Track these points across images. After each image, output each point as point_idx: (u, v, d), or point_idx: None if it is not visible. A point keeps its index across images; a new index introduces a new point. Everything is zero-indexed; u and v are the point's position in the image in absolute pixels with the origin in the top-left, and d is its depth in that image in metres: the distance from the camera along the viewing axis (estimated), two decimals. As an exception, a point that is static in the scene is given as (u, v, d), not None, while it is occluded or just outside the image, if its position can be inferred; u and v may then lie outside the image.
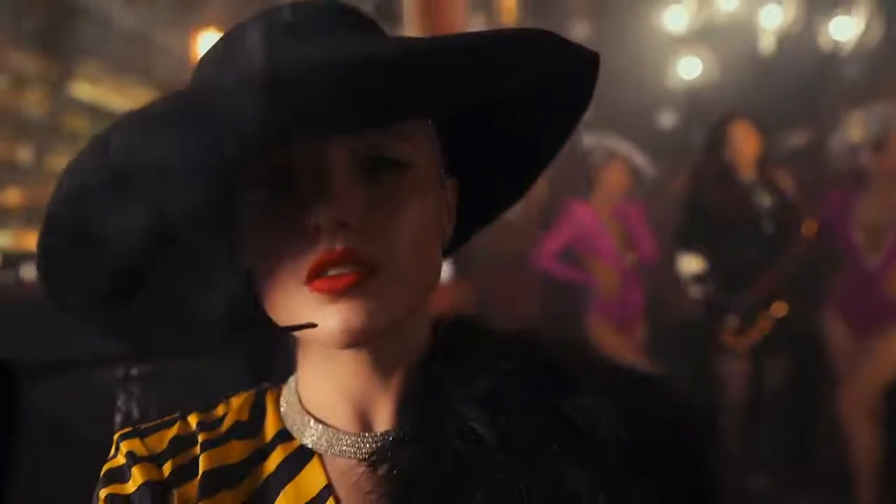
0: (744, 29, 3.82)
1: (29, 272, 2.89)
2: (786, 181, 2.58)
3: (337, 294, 0.40)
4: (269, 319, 0.45)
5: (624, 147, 2.56)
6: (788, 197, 2.49)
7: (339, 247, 0.39)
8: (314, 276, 0.40)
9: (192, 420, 0.48)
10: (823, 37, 3.58)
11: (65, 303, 0.44)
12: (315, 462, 0.46)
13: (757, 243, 2.43)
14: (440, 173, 0.47)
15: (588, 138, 2.59)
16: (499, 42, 0.41)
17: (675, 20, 3.99)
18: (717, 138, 2.50)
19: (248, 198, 0.42)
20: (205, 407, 0.50)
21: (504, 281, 2.85)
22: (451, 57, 0.39)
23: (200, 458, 0.46)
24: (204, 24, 3.94)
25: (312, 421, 0.47)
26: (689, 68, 4.21)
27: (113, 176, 0.36)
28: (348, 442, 0.46)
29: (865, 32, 3.38)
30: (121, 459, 0.46)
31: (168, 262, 0.44)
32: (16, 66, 4.05)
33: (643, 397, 0.47)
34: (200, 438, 0.47)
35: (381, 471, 0.43)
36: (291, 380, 0.50)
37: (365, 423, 0.47)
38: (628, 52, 4.21)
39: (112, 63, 4.60)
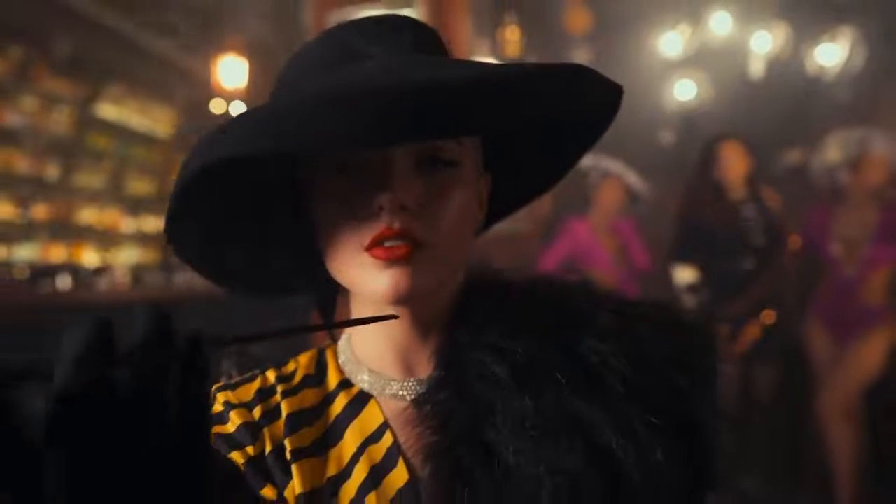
0: (735, 54, 4.01)
1: (64, 282, 3.07)
2: (773, 197, 2.73)
3: (391, 262, 0.47)
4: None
5: (617, 166, 2.71)
6: (775, 212, 2.63)
7: (396, 225, 0.47)
8: (374, 244, 0.47)
9: (270, 375, 0.57)
10: (810, 62, 3.76)
11: (185, 251, 0.53)
12: (373, 403, 0.55)
13: (747, 256, 2.56)
14: (480, 171, 0.55)
15: (585, 159, 2.75)
16: (546, 76, 0.47)
17: (670, 46, 4.18)
18: (708, 157, 2.63)
19: (327, 181, 0.50)
20: (278, 364, 0.58)
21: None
22: (505, 89, 0.45)
23: (282, 404, 0.55)
24: (223, 50, 4.11)
25: (367, 369, 0.55)
26: (685, 91, 4.40)
27: (222, 159, 0.43)
28: (397, 387, 0.54)
29: (849, 58, 3.57)
30: (219, 407, 0.54)
31: (258, 222, 0.55)
32: (46, 89, 4.19)
33: (646, 331, 0.52)
34: (279, 389, 0.56)
35: (425, 410, 0.51)
36: (344, 337, 0.59)
37: (409, 370, 0.54)
38: (628, 75, 4.41)
39: (135, 85, 4.77)
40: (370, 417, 0.54)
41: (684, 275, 2.65)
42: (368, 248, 0.48)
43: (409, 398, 0.53)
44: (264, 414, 0.54)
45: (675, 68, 4.28)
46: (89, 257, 4.49)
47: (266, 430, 0.53)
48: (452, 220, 0.49)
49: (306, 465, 0.52)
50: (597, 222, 2.77)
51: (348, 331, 0.59)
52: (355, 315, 0.55)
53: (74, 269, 3.39)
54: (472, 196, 0.52)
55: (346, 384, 0.56)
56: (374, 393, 0.55)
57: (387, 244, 0.47)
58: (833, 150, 2.46)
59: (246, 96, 4.17)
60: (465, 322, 0.53)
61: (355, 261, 0.49)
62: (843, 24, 3.59)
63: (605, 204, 2.74)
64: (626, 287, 2.77)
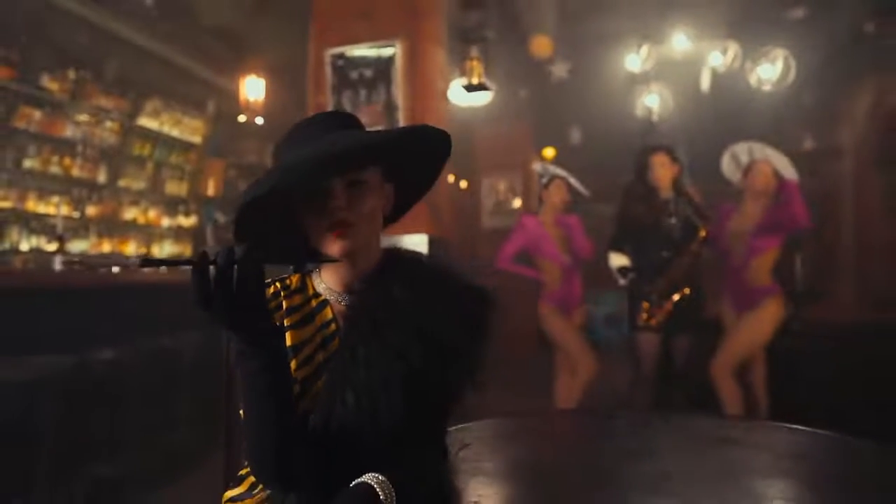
0: (689, 72, 4.57)
1: (116, 267, 3.73)
2: (697, 195, 3.25)
3: (339, 237, 0.85)
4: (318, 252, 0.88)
5: (562, 171, 3.24)
6: (696, 209, 3.11)
7: (338, 218, 0.84)
8: (330, 229, 0.85)
9: (278, 284, 0.93)
10: (752, 77, 4.30)
11: (242, 238, 0.82)
12: (329, 306, 0.91)
13: (667, 245, 3.07)
14: (382, 183, 0.91)
15: (535, 165, 3.30)
16: (404, 136, 0.86)
17: (633, 64, 4.73)
18: (642, 165, 3.14)
19: (306, 200, 0.86)
20: (281, 279, 0.95)
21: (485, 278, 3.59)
22: (383, 145, 0.86)
23: (283, 301, 0.90)
24: (248, 70, 4.75)
25: (329, 288, 0.92)
26: (652, 101, 4.95)
27: (262, 192, 0.77)
28: (342, 299, 0.91)
29: (782, 76, 4.10)
30: None
31: (280, 223, 0.89)
32: (97, 104, 4.85)
33: (463, 286, 0.90)
34: (282, 294, 0.92)
35: (350, 310, 0.88)
36: (315, 270, 0.96)
37: (349, 290, 0.91)
38: (601, 88, 4.97)
39: (172, 100, 5.42)
40: (327, 313, 0.92)
41: (617, 260, 3.20)
42: (329, 231, 0.86)
43: (345, 304, 0.92)
44: (274, 306, 0.92)
45: (640, 82, 4.84)
46: (132, 250, 5.17)
47: (275, 315, 0.91)
48: (367, 212, 0.87)
49: (293, 333, 0.89)
50: (545, 217, 3.28)
51: (323, 267, 0.97)
52: (325, 266, 0.95)
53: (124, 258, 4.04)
54: (378, 198, 0.90)
55: (316, 295, 0.94)
56: (331, 300, 0.93)
57: (336, 227, 0.85)
58: (732, 158, 2.99)
59: (264, 109, 4.84)
60: (383, 269, 0.91)
61: (323, 238, 0.87)
62: (780, 47, 4.13)
63: (552, 202, 3.27)
64: (571, 274, 3.31)
